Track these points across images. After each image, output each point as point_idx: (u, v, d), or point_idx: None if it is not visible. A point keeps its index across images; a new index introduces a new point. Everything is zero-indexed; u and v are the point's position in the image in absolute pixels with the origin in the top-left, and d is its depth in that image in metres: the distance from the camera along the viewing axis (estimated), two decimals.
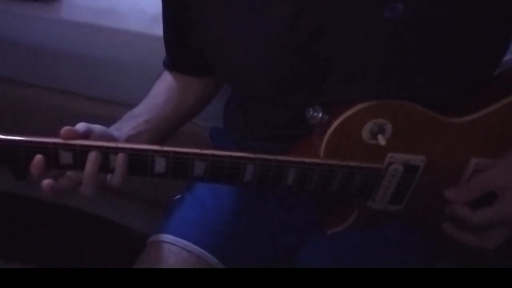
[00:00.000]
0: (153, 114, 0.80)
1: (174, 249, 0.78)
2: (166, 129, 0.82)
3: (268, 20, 0.67)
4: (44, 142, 0.64)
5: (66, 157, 0.64)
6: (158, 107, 0.82)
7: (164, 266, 0.76)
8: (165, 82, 0.85)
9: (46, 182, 0.65)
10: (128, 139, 0.74)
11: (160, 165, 0.66)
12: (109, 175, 0.67)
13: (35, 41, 1.27)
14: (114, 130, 0.74)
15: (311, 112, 0.70)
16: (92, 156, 0.64)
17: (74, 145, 0.64)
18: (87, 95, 1.33)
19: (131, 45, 1.22)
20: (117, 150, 0.65)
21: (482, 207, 0.69)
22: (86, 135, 0.67)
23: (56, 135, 0.64)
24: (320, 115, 0.69)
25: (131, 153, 0.65)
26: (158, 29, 1.22)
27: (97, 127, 0.69)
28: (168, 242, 0.79)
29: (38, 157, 0.64)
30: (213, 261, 0.78)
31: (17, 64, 1.34)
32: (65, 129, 0.64)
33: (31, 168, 0.64)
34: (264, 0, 0.67)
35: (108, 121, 1.32)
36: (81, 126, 0.67)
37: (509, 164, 0.69)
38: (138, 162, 0.66)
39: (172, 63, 0.86)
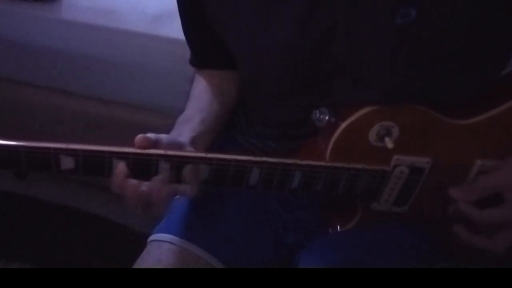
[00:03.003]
0: (205, 114, 0.79)
1: (174, 249, 0.78)
2: (220, 125, 0.82)
3: (279, 21, 0.67)
4: (46, 147, 0.64)
5: (67, 162, 0.64)
6: (207, 106, 0.81)
7: (164, 266, 0.76)
8: (203, 82, 0.85)
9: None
10: (192, 143, 0.73)
11: (164, 169, 0.66)
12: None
13: (35, 41, 1.28)
14: (177, 136, 0.73)
15: (318, 114, 0.69)
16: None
17: (76, 150, 0.64)
18: (87, 95, 1.34)
19: (131, 45, 1.22)
20: (121, 156, 0.65)
21: (489, 207, 0.69)
22: (156, 144, 0.66)
23: (57, 134, 0.64)
24: (326, 117, 0.69)
25: (134, 157, 0.65)
26: (158, 29, 1.23)
27: (164, 137, 0.68)
28: (168, 242, 0.79)
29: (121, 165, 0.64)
30: (213, 261, 0.78)
31: (17, 64, 1.34)
32: (140, 137, 0.64)
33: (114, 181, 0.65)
34: (276, 1, 0.67)
35: (108, 121, 1.33)
36: (150, 135, 0.67)
37: None
38: (142, 166, 0.65)
39: (200, 61, 0.86)
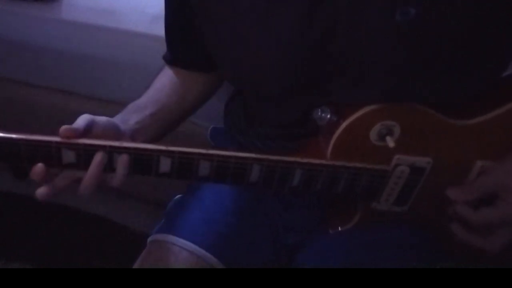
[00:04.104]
0: (157, 108, 0.79)
1: (174, 249, 0.78)
2: (170, 123, 0.82)
3: (279, 21, 0.67)
4: (47, 141, 0.63)
5: (69, 156, 0.64)
6: (162, 100, 0.81)
7: (164, 266, 0.76)
8: (168, 76, 0.85)
9: (40, 192, 0.65)
10: (134, 134, 0.73)
11: (165, 165, 0.66)
12: (110, 175, 0.67)
13: (35, 41, 1.27)
14: (120, 122, 0.73)
15: (319, 113, 0.70)
16: (98, 157, 0.64)
17: (78, 144, 0.64)
18: (87, 95, 1.33)
19: (131, 45, 1.22)
20: (122, 150, 0.65)
21: (484, 207, 0.69)
22: (88, 128, 0.66)
23: (57, 134, 0.64)
24: (328, 116, 0.69)
25: (136, 153, 0.65)
26: (158, 29, 1.22)
27: (101, 120, 0.68)
28: (168, 242, 0.79)
29: (40, 166, 0.63)
30: (213, 261, 0.78)
31: (18, 64, 1.34)
32: (64, 128, 0.63)
33: (32, 175, 0.64)
34: (276, 1, 0.67)
35: None
36: (82, 119, 0.66)
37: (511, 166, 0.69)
38: (143, 162, 0.65)
39: (174, 58, 0.86)
